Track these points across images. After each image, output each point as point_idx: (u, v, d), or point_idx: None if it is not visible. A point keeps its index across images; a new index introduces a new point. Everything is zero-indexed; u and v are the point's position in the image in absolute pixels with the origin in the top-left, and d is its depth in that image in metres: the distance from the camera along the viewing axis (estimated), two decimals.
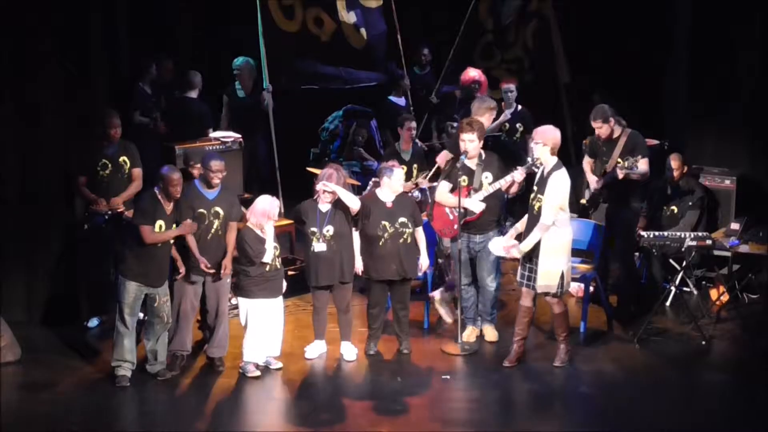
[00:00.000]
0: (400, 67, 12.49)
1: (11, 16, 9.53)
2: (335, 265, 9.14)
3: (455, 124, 12.04)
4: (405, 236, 9.15)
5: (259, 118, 11.73)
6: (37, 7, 9.64)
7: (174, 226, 8.76)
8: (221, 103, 12.22)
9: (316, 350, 9.34)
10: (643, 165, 9.74)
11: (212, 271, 8.90)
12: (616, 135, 9.86)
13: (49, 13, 9.71)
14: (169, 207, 8.73)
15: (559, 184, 8.70)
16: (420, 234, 9.27)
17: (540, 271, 8.76)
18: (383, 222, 9.12)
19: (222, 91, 12.23)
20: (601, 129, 9.83)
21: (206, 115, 11.56)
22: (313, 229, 9.13)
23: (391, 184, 9.18)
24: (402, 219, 9.14)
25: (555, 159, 8.79)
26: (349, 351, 9.33)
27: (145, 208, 8.72)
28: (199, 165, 9.21)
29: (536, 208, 8.78)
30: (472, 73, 12.18)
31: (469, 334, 9.51)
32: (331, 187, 9.06)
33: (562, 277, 8.78)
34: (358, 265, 9.24)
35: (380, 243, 9.13)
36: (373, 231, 9.13)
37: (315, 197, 9.19)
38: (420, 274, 9.46)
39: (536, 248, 8.74)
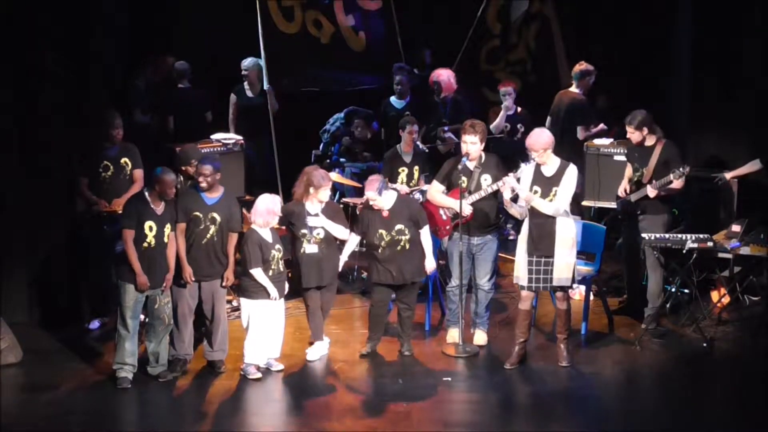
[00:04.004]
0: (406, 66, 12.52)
1: (12, 18, 9.54)
2: (324, 267, 9.23)
3: (446, 128, 12.08)
4: (402, 243, 9.14)
5: (266, 118, 11.79)
6: (38, 8, 9.66)
7: (169, 226, 8.75)
8: (228, 103, 12.31)
9: (317, 352, 9.35)
10: (677, 180, 9.70)
11: (192, 281, 8.87)
12: (649, 143, 9.80)
13: (51, 14, 9.73)
14: (159, 207, 8.71)
15: (575, 176, 8.90)
16: (425, 236, 9.25)
17: (557, 263, 8.83)
18: (380, 230, 9.14)
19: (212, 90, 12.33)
20: (632, 135, 9.80)
21: (207, 101, 11.95)
22: (304, 231, 9.15)
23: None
24: (399, 226, 9.14)
25: (557, 158, 8.91)
26: (321, 344, 9.39)
27: (129, 211, 8.73)
28: (196, 163, 9.17)
29: None
30: (435, 74, 12.27)
31: (453, 336, 9.51)
32: (317, 222, 9.14)
33: (574, 269, 8.89)
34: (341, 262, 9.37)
35: (378, 251, 9.16)
36: (371, 239, 9.17)
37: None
38: (428, 273, 9.47)
39: (552, 242, 8.82)
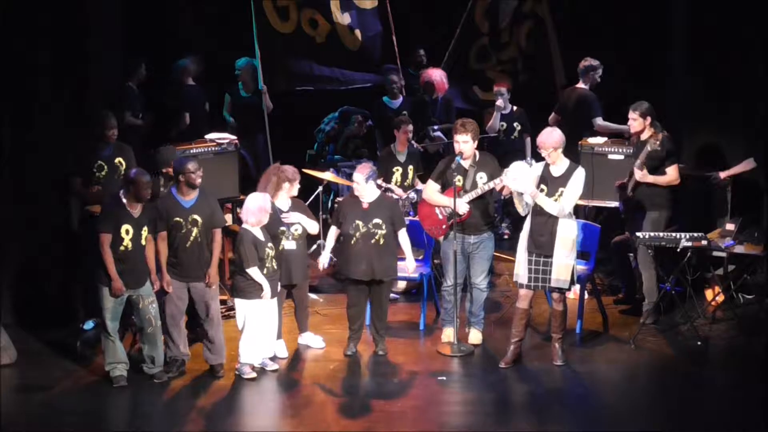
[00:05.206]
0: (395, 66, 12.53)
1: (8, 18, 9.52)
2: (302, 263, 9.32)
3: (436, 127, 12.10)
4: (377, 237, 9.16)
5: (261, 118, 11.83)
6: (35, 7, 9.64)
7: (146, 228, 8.72)
8: (223, 103, 12.36)
9: (283, 349, 9.37)
10: (671, 171, 9.74)
11: (170, 289, 8.84)
12: (645, 136, 9.84)
13: (48, 13, 9.71)
14: (135, 210, 8.68)
15: (583, 179, 8.90)
16: (402, 237, 9.28)
17: (556, 263, 8.83)
18: (357, 221, 9.16)
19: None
20: (634, 121, 9.83)
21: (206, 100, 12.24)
22: (282, 228, 9.17)
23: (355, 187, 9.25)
24: (376, 220, 9.15)
25: (566, 159, 8.95)
26: (314, 340, 9.49)
27: (106, 215, 8.71)
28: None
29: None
30: (427, 75, 12.29)
31: (448, 336, 9.52)
32: (295, 218, 9.19)
33: (573, 271, 8.89)
34: (323, 261, 9.37)
35: (352, 242, 9.18)
36: (347, 229, 9.18)
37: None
38: (411, 274, 9.49)
39: (552, 242, 8.83)
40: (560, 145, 8.88)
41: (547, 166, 8.93)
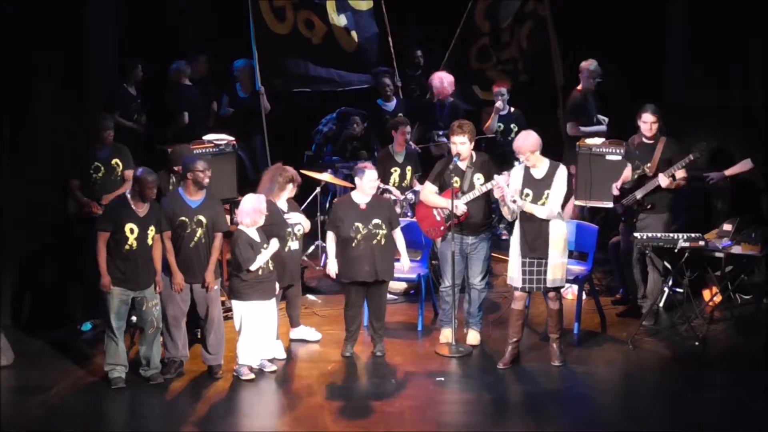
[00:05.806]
0: (391, 68, 12.54)
1: (8, 18, 9.55)
2: (299, 262, 9.41)
3: (441, 132, 12.11)
4: (378, 237, 9.17)
5: (259, 119, 11.85)
6: (34, 8, 9.67)
7: (153, 228, 8.72)
8: (221, 104, 12.40)
9: (281, 350, 9.38)
10: (681, 175, 9.76)
11: (181, 288, 8.84)
12: (649, 140, 9.83)
13: (47, 15, 9.74)
14: (141, 209, 8.68)
15: (565, 177, 8.90)
16: (398, 236, 9.30)
17: (550, 264, 8.86)
18: (356, 223, 9.16)
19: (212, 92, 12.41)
20: (654, 124, 9.76)
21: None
22: (288, 229, 9.19)
23: (362, 185, 9.22)
24: (376, 221, 9.16)
25: (546, 159, 8.91)
26: (308, 332, 9.58)
27: (106, 214, 8.75)
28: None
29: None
30: (431, 78, 12.33)
31: (446, 336, 9.52)
32: (296, 218, 9.25)
33: (564, 270, 8.94)
34: (333, 268, 9.29)
35: (353, 244, 9.17)
36: (347, 233, 9.17)
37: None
38: (407, 275, 9.49)
39: (545, 244, 8.84)
40: (537, 148, 8.87)
41: (527, 169, 8.93)
